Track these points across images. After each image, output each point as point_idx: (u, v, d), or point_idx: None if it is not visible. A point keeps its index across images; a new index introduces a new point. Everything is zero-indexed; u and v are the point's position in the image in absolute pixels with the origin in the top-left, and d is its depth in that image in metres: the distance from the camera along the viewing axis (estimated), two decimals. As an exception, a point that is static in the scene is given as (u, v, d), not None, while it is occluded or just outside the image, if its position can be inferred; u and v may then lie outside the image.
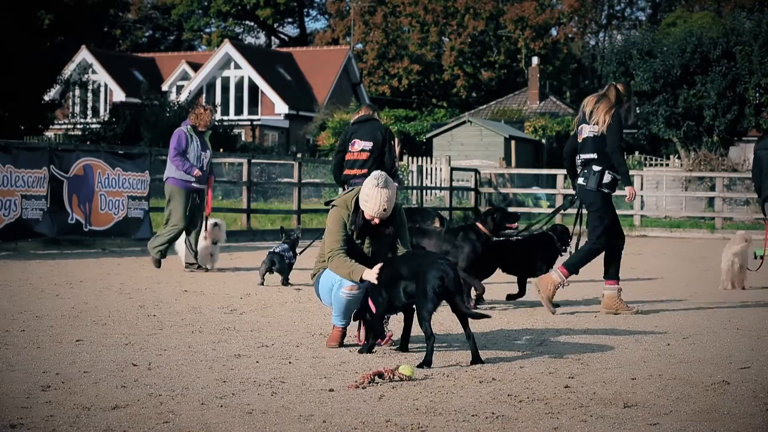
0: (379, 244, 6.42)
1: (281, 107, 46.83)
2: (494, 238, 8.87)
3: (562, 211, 9.49)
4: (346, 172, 10.77)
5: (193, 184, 12.04)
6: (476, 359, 5.93)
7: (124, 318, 7.74)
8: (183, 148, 11.91)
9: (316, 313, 8.22)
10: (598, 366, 5.95)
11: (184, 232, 12.09)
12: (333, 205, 6.47)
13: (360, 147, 10.69)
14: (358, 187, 6.43)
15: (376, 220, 6.30)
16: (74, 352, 6.12)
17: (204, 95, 47.00)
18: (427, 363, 5.77)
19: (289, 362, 5.94)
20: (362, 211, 6.33)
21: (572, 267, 8.59)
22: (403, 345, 6.37)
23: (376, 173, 6.26)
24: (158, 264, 12.12)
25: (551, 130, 39.40)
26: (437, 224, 14.87)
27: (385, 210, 6.23)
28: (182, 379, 5.38)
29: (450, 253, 8.64)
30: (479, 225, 8.81)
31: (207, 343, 6.61)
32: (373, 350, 6.34)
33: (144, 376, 5.43)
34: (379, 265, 6.22)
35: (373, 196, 6.22)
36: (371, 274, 6.22)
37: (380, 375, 5.36)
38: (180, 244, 12.28)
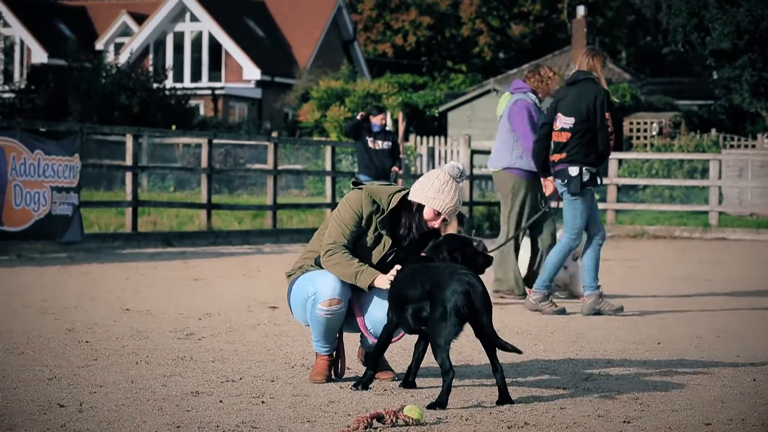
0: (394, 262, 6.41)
1: (251, 72, 46.84)
2: None
3: None
4: (551, 157, 10.14)
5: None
6: (504, 398, 5.95)
7: (47, 345, 7.76)
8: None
9: (297, 338, 8.24)
10: (662, 407, 5.97)
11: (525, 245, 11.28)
12: (358, 189, 6.40)
13: (560, 124, 10.04)
14: (401, 187, 6.43)
15: (437, 223, 6.29)
16: (-17, 389, 6.15)
17: (151, 55, 47.03)
18: (440, 404, 5.78)
19: (262, 401, 5.97)
20: (421, 212, 6.28)
21: None
22: (409, 378, 6.40)
23: (455, 164, 6.25)
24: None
25: (602, 102, 39.38)
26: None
27: (456, 209, 6.26)
28: (123, 424, 5.40)
29: None
30: None
31: (155, 377, 6.63)
32: (370, 386, 6.36)
33: (73, 420, 5.45)
34: (396, 269, 6.23)
35: (450, 188, 6.22)
36: (386, 281, 6.23)
37: (379, 418, 5.38)
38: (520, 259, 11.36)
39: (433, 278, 5.96)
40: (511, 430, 5.40)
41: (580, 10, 48.86)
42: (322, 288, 6.35)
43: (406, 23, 60.26)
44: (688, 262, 17.09)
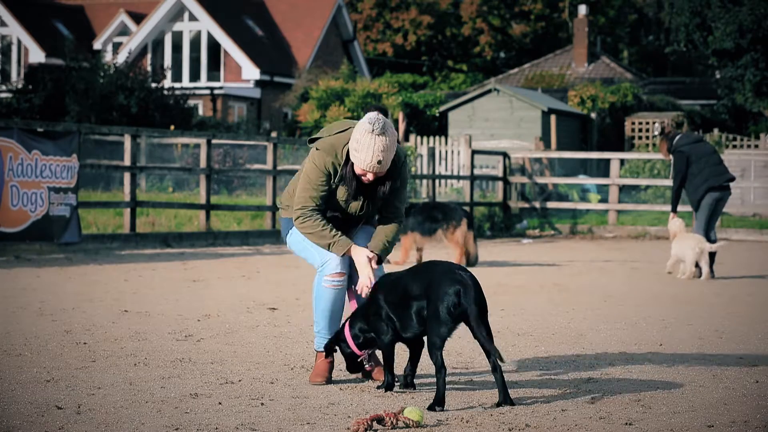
0: (369, 207, 6.61)
1: (250, 71, 46.87)
2: None
3: None
4: None
5: None
6: (505, 399, 5.97)
7: (45, 347, 7.77)
8: None
9: (297, 340, 8.25)
10: (664, 409, 5.98)
11: None
12: (317, 148, 6.55)
13: None
14: (351, 132, 6.54)
15: (370, 176, 6.41)
16: (-20, 391, 6.15)
17: (149, 55, 47.05)
18: (439, 402, 5.82)
19: (262, 404, 5.98)
20: (352, 163, 6.44)
21: None
22: (407, 379, 6.41)
23: (371, 115, 6.34)
24: None
25: (603, 102, 39.46)
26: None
27: (380, 163, 6.33)
28: (122, 426, 5.41)
29: None
30: None
31: (154, 378, 6.64)
32: (393, 388, 6.37)
33: (71, 422, 5.46)
34: (369, 258, 6.43)
35: (365, 144, 6.30)
36: (362, 254, 6.43)
37: (380, 420, 5.39)
38: None
39: (428, 276, 6.03)
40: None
41: (582, 9, 48.87)
42: (328, 258, 6.53)
43: (406, 22, 60.28)
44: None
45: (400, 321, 6.19)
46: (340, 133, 6.51)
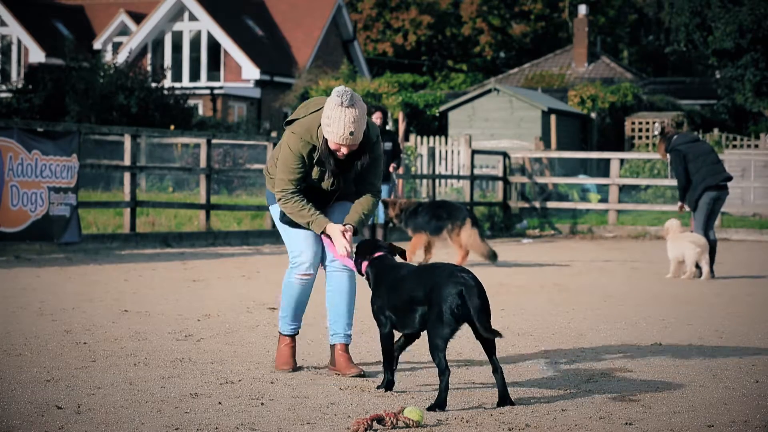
0: (342, 183, 6.76)
1: (250, 71, 46.89)
2: None
3: None
4: None
5: None
6: (505, 399, 5.98)
7: (45, 347, 7.77)
8: None
9: (297, 340, 8.25)
10: (664, 409, 5.98)
11: None
12: (292, 132, 6.68)
13: None
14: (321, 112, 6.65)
15: (344, 150, 6.55)
16: (-20, 391, 6.16)
17: (149, 55, 47.06)
18: (440, 405, 5.82)
19: (262, 403, 5.98)
20: (326, 140, 6.57)
21: None
22: (396, 353, 6.43)
23: (338, 89, 6.45)
24: None
25: (603, 102, 39.47)
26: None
27: (352, 134, 6.45)
28: (122, 426, 5.41)
29: None
30: None
31: (154, 378, 6.65)
32: (393, 387, 6.38)
33: (71, 422, 5.46)
34: (344, 229, 6.63)
35: (335, 118, 6.43)
36: (337, 228, 6.61)
37: (380, 420, 5.40)
38: None
39: (431, 278, 6.02)
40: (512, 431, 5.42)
41: (582, 9, 48.87)
42: (302, 260, 6.82)
43: (406, 22, 60.29)
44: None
45: (400, 320, 6.22)
46: (315, 113, 6.66)
